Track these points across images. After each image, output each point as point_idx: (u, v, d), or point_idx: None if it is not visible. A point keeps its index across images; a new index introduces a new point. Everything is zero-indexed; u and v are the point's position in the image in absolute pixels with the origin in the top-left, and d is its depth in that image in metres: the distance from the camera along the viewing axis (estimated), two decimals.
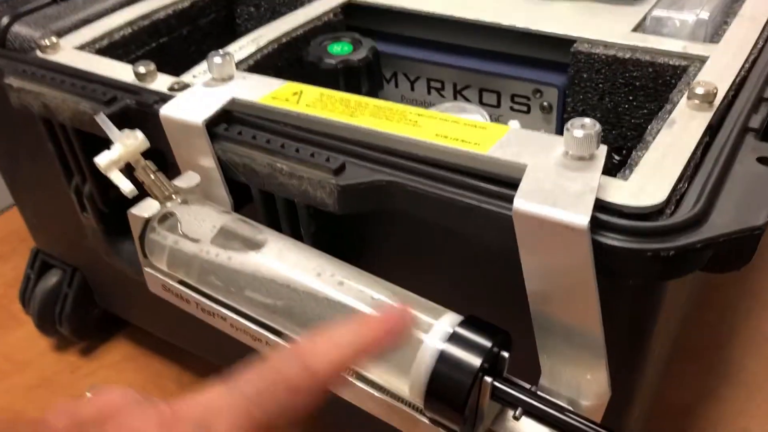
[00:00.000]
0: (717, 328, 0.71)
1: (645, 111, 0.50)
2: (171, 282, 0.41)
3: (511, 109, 0.57)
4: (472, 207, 0.35)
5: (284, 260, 0.37)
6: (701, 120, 0.39)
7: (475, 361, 0.32)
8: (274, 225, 0.42)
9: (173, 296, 0.41)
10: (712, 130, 0.39)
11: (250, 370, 0.27)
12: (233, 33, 0.69)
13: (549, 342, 0.35)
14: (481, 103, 0.59)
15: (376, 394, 0.35)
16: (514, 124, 0.53)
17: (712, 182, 0.35)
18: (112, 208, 0.53)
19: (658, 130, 0.39)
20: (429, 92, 0.61)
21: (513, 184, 0.34)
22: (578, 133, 0.34)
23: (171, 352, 0.71)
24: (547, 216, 0.31)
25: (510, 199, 0.33)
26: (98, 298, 0.71)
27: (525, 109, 0.57)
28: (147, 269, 0.42)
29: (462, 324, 0.33)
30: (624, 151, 0.50)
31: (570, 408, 0.33)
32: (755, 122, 0.39)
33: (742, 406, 0.63)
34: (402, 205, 0.37)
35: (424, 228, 0.39)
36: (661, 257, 0.31)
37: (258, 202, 0.42)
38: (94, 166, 0.50)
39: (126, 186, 0.40)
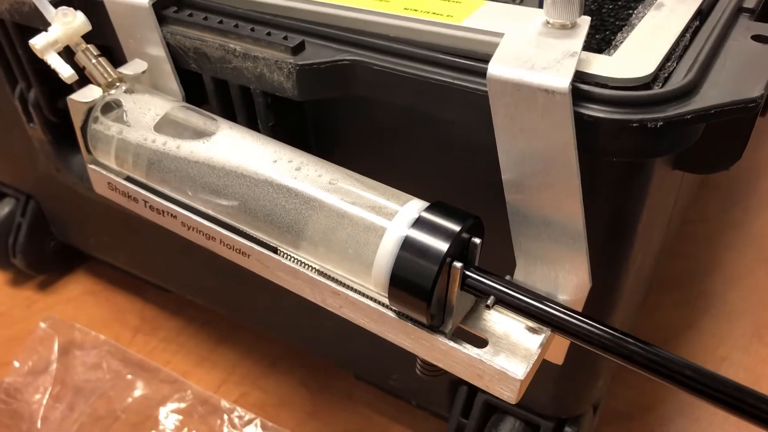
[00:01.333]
0: (698, 260, 0.69)
1: (630, 12, 0.47)
2: (117, 179, 0.37)
3: None
4: (444, 85, 0.32)
5: (237, 147, 0.34)
6: (691, 3, 0.36)
7: (442, 245, 0.29)
8: (230, 119, 0.38)
9: (119, 195, 0.38)
10: (702, 15, 0.36)
11: None
12: None
13: (525, 233, 0.32)
14: None
15: (337, 288, 0.32)
16: None
17: (704, 57, 0.32)
18: (61, 116, 0.49)
19: (645, 14, 0.36)
20: None
21: (488, 60, 0.31)
22: None
23: (133, 287, 0.68)
24: (523, 80, 0.28)
25: (484, 74, 0.30)
26: (55, 230, 0.68)
27: None
28: (91, 166, 0.38)
29: (428, 209, 0.30)
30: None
31: (547, 297, 0.30)
32: (750, 2, 0.36)
33: (722, 336, 0.62)
34: (368, 88, 0.34)
35: (392, 114, 0.36)
36: (648, 129, 0.28)
37: (211, 92, 0.38)
38: (39, 70, 0.46)
39: (65, 70, 0.36)
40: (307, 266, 0.33)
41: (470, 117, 0.32)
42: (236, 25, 0.36)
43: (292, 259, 0.33)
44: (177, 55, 0.38)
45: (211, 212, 0.35)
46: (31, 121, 0.50)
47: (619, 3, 0.47)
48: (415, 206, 0.31)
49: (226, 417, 0.55)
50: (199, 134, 0.35)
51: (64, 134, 0.50)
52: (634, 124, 0.28)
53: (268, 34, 0.35)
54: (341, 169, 0.33)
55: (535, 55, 0.29)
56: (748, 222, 0.73)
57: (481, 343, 0.32)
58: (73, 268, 0.71)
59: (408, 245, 0.29)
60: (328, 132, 0.39)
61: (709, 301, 0.65)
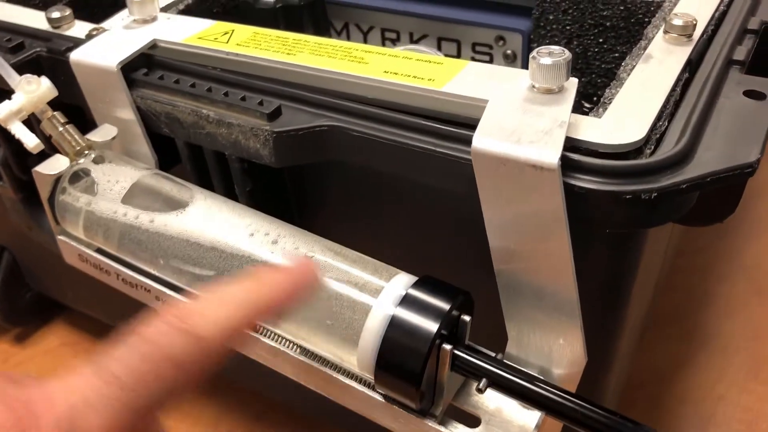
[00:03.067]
0: (691, 293, 0.68)
1: (616, 55, 0.46)
2: (88, 251, 0.36)
3: (473, 59, 0.53)
4: (426, 152, 0.30)
5: (213, 219, 0.32)
6: (680, 54, 0.35)
7: (432, 325, 0.27)
8: (205, 184, 0.37)
9: (91, 267, 0.36)
10: (692, 66, 0.35)
11: (123, 344, 0.22)
12: None
13: (516, 304, 0.31)
14: (440, 52, 0.54)
15: (321, 368, 0.31)
16: None
17: (696, 118, 0.30)
18: (32, 175, 0.47)
19: (633, 67, 0.35)
20: (383, 44, 0.56)
21: (473, 125, 0.30)
22: (545, 60, 0.29)
23: (113, 338, 0.66)
24: (510, 155, 0.27)
25: (468, 141, 0.29)
26: (30, 280, 0.66)
27: (487, 59, 0.52)
28: (60, 237, 0.36)
29: (416, 285, 0.29)
30: (595, 99, 0.45)
31: (541, 377, 0.29)
32: (740, 54, 0.35)
33: (718, 373, 0.60)
34: (347, 154, 0.33)
35: (373, 179, 0.34)
36: (642, 200, 0.27)
37: (185, 157, 0.37)
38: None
39: (30, 140, 0.35)
40: (289, 344, 0.31)
41: (454, 184, 0.30)
42: (209, 89, 0.34)
43: (273, 337, 0.32)
44: (148, 119, 0.36)
45: (185, 286, 0.33)
46: (0, 180, 0.48)
47: (605, 46, 0.46)
48: (402, 282, 0.29)
49: None
50: (173, 205, 0.33)
51: (36, 193, 0.48)
52: (627, 196, 0.27)
53: (243, 98, 0.33)
54: (321, 240, 0.32)
55: (522, 125, 0.28)
56: (740, 252, 0.72)
57: (473, 421, 0.30)
58: (50, 319, 0.69)
59: (395, 325, 0.28)
60: (308, 196, 0.38)
61: (705, 336, 0.64)
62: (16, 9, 0.46)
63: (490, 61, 0.52)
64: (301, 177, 0.37)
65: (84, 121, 0.39)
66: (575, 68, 0.47)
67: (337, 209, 0.37)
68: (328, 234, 0.32)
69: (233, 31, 0.37)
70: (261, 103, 0.33)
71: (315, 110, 0.33)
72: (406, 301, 0.28)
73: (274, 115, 0.33)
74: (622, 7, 0.44)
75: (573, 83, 0.30)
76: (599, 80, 0.47)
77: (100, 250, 0.36)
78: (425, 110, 0.31)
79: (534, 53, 0.30)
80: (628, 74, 0.34)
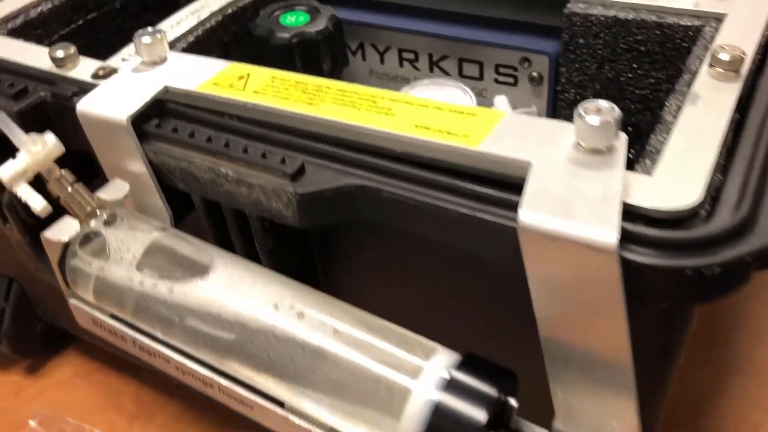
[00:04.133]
0: (720, 319, 0.66)
1: (651, 80, 0.43)
2: (102, 317, 0.34)
3: (496, 81, 0.50)
4: (465, 216, 0.28)
5: (235, 289, 0.30)
6: (728, 93, 0.33)
7: (480, 415, 0.25)
8: (223, 241, 0.35)
9: (106, 332, 0.34)
10: (742, 105, 0.33)
11: None
12: (176, 4, 0.61)
13: (564, 376, 0.29)
14: (461, 75, 0.51)
15: None
16: (500, 100, 0.46)
17: (757, 172, 0.28)
18: (39, 217, 0.45)
19: (679, 107, 0.32)
20: (401, 65, 0.53)
21: (514, 186, 0.27)
22: (593, 119, 0.27)
23: (127, 367, 0.64)
24: (562, 232, 0.24)
25: (512, 206, 0.26)
26: (40, 312, 0.64)
27: (511, 81, 0.50)
28: (72, 301, 0.34)
29: (460, 366, 0.27)
30: (630, 128, 0.43)
31: None
32: None
33: (753, 400, 0.58)
34: (377, 215, 0.30)
35: (405, 241, 0.32)
36: (704, 276, 0.25)
37: (201, 214, 0.34)
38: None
39: (37, 203, 0.32)
40: (319, 426, 0.29)
41: (495, 251, 0.28)
42: (227, 144, 0.32)
43: (302, 416, 0.30)
44: (162, 174, 0.34)
45: (205, 358, 0.31)
46: (7, 223, 0.46)
47: (639, 72, 0.43)
48: (443, 361, 0.27)
49: None
50: (191, 271, 0.31)
51: None
52: (689, 272, 0.25)
53: (263, 155, 0.31)
54: (350, 310, 0.30)
55: (571, 194, 0.25)
56: None
57: None
58: (62, 349, 0.67)
59: (440, 413, 0.26)
60: (334, 256, 0.35)
61: (738, 362, 0.62)
62: (16, 45, 0.43)
63: (515, 84, 0.50)
64: (327, 235, 0.35)
65: (92, 166, 0.37)
66: (607, 94, 0.45)
67: (366, 271, 0.35)
68: (355, 298, 0.30)
69: (249, 75, 0.35)
70: (283, 161, 0.31)
71: (341, 167, 0.31)
72: (451, 386, 0.26)
73: (298, 174, 0.30)
74: (657, 32, 0.41)
75: (623, 141, 0.28)
76: (632, 106, 0.45)
77: (115, 315, 0.34)
78: (463, 168, 0.29)
79: (580, 110, 0.27)
80: (674, 116, 0.32)
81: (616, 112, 0.27)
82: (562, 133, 0.28)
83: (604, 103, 0.27)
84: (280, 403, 0.30)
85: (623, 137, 0.28)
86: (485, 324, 0.32)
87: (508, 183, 0.28)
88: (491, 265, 0.30)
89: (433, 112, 0.31)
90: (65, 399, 0.63)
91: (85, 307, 0.34)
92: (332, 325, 0.29)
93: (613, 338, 0.26)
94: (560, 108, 0.47)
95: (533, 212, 0.25)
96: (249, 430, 0.58)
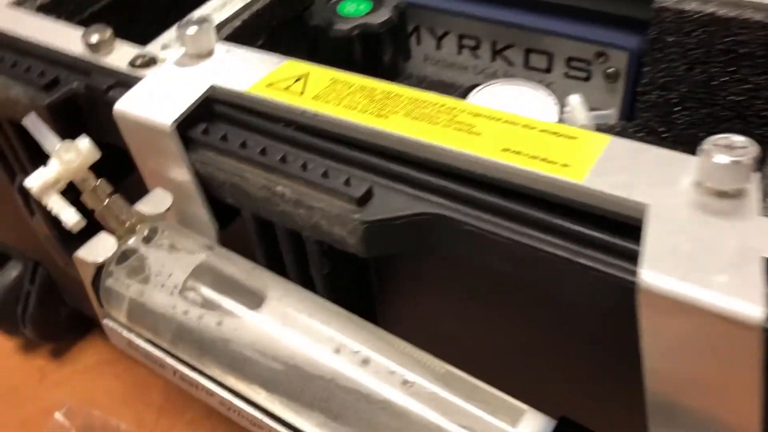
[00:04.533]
0: None
1: (749, 86, 0.39)
2: (139, 341, 0.30)
3: (566, 75, 0.46)
4: (564, 260, 0.24)
5: (291, 326, 0.27)
6: None
7: None
8: (273, 259, 0.31)
9: (142, 357, 0.31)
10: None
11: None
12: None
13: None
14: (526, 66, 0.47)
15: None
16: (575, 100, 0.41)
17: None
18: None
19: None
20: (460, 52, 0.49)
21: (625, 228, 0.23)
22: (722, 158, 0.23)
23: None
24: (695, 300, 0.20)
25: (625, 255, 0.23)
26: (67, 297, 0.61)
27: (584, 76, 0.45)
28: (107, 322, 0.31)
29: None
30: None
31: None
32: None
33: None
34: (454, 249, 0.27)
35: (484, 276, 0.28)
36: None
37: (252, 229, 0.31)
38: (40, 163, 0.39)
39: (69, 218, 0.29)
40: None
41: (598, 301, 0.24)
42: (284, 158, 0.28)
43: None
44: (209, 186, 0.30)
45: (254, 397, 0.28)
46: (33, 215, 0.43)
47: (735, 76, 0.39)
48: (533, 428, 0.24)
49: None
50: (241, 300, 0.28)
51: None
52: None
53: (325, 174, 0.27)
54: (419, 355, 0.26)
55: (702, 252, 0.21)
56: None
57: None
58: (87, 333, 0.65)
59: None
60: (397, 286, 0.32)
61: None
62: (46, 24, 0.39)
63: (587, 79, 0.45)
64: (389, 262, 0.31)
65: (128, 160, 0.33)
66: (695, 98, 0.40)
67: (434, 306, 0.31)
68: (417, 336, 0.27)
69: (307, 74, 0.31)
70: (348, 183, 0.27)
71: (415, 192, 0.27)
72: None
73: (365, 199, 0.27)
74: (761, 32, 0.37)
75: (756, 183, 0.23)
76: (723, 113, 0.40)
77: (151, 341, 0.30)
78: (559, 201, 0.25)
79: (705, 145, 0.23)
80: None
81: (753, 149, 0.23)
82: (681, 168, 0.24)
83: (737, 138, 0.23)
84: None
85: (756, 178, 0.24)
86: (575, 378, 0.28)
87: (619, 225, 0.24)
88: (588, 312, 0.26)
89: (524, 133, 0.27)
90: (90, 387, 0.60)
91: (120, 330, 0.31)
92: (401, 375, 0.25)
93: (742, 408, 0.23)
94: (639, 110, 0.42)
95: (658, 273, 0.21)
96: None
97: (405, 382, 0.25)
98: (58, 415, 0.56)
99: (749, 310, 0.20)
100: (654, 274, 0.21)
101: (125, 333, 0.31)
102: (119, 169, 0.34)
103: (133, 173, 0.34)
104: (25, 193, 0.42)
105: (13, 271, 0.61)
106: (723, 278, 0.21)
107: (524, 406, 0.25)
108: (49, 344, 0.64)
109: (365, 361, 0.26)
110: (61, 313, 0.62)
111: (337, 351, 0.26)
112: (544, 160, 0.25)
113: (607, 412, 0.26)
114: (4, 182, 0.47)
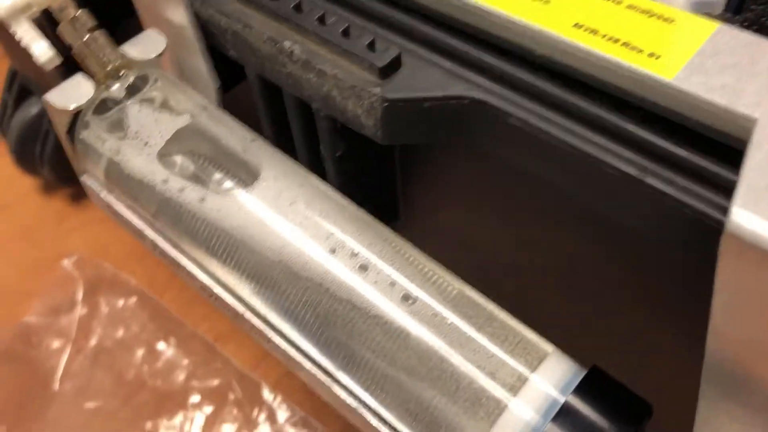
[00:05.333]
0: None
1: None
2: (118, 206, 0.26)
3: None
4: (632, 181, 0.19)
5: (284, 214, 0.22)
6: None
7: None
8: (279, 132, 0.26)
9: (122, 224, 0.27)
10: None
11: None
12: None
13: (722, 416, 0.20)
14: None
15: None
16: None
17: None
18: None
19: None
20: None
21: (721, 148, 0.18)
22: None
23: None
24: None
25: (714, 184, 0.17)
26: None
27: None
28: (85, 179, 0.27)
29: (581, 388, 0.19)
30: None
31: None
32: None
33: None
34: (495, 146, 0.21)
35: (529, 184, 0.23)
36: None
37: (256, 92, 0.26)
38: None
39: (40, 51, 0.24)
40: (370, 411, 0.22)
41: (665, 234, 0.19)
42: (298, 6, 0.23)
43: (351, 394, 0.23)
44: (210, 34, 0.25)
45: (235, 288, 0.24)
46: None
47: None
48: (556, 375, 0.19)
49: (265, 407, 0.47)
50: (232, 174, 0.23)
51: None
52: None
53: (345, 33, 0.22)
54: (432, 272, 0.21)
55: None
56: None
57: None
58: None
59: None
60: (424, 179, 0.27)
61: None
62: None
63: None
64: (417, 150, 0.26)
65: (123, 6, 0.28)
66: None
67: (464, 218, 0.26)
68: (442, 242, 0.22)
69: None
70: (372, 47, 0.21)
71: (452, 67, 0.21)
72: (563, 417, 0.18)
73: (390, 68, 0.21)
74: None
75: None
76: None
77: (131, 206, 0.26)
78: (636, 101, 0.19)
79: None
80: None
81: None
82: None
83: None
84: (322, 368, 0.23)
85: None
86: (615, 325, 0.23)
87: (711, 142, 0.18)
88: (650, 248, 0.21)
89: (606, 6, 0.20)
90: (105, 238, 0.58)
91: (99, 190, 0.27)
92: (404, 288, 0.21)
93: None
94: (750, 1, 0.35)
95: (755, 216, 0.15)
96: None
97: (406, 298, 0.21)
98: (66, 263, 0.54)
99: None
100: (749, 215, 0.15)
101: (104, 194, 0.27)
102: (115, 10, 0.29)
103: (133, 16, 0.29)
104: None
105: (33, 107, 0.58)
106: None
107: (549, 347, 0.20)
108: (68, 188, 0.62)
109: (363, 267, 0.21)
110: None
111: (333, 251, 0.21)
112: (626, 45, 0.19)
113: (649, 372, 0.21)
114: None
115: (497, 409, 0.19)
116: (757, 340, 0.17)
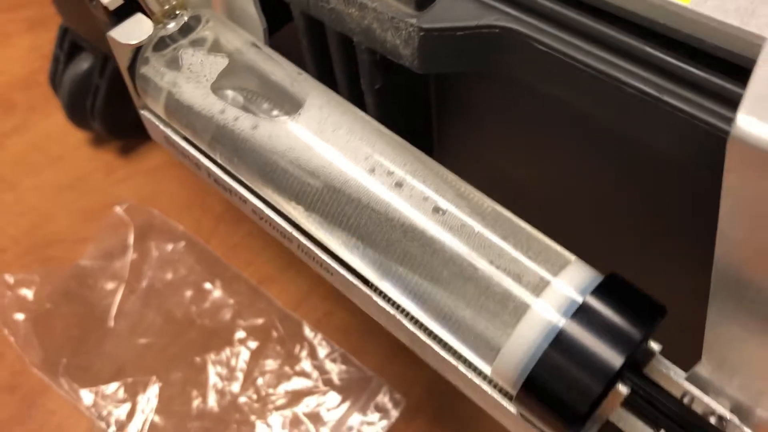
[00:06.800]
0: None
1: None
2: (176, 138, 0.29)
3: None
4: (649, 99, 0.20)
5: (326, 137, 0.24)
6: None
7: (615, 359, 0.20)
8: (323, 68, 0.28)
9: (179, 154, 0.30)
10: None
11: None
12: None
13: (731, 318, 0.22)
14: None
15: (443, 354, 0.24)
16: None
17: None
18: None
19: None
20: None
21: (730, 67, 0.19)
22: None
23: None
24: None
25: (722, 98, 0.19)
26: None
27: None
28: (144, 113, 0.30)
29: (599, 290, 0.21)
30: None
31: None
32: None
33: None
34: (523, 72, 0.23)
35: (558, 109, 0.25)
36: None
37: (301, 30, 0.28)
38: None
39: None
40: (406, 315, 0.24)
41: (678, 148, 0.21)
42: None
43: (390, 301, 0.25)
44: None
45: (284, 208, 0.26)
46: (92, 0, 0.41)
47: None
48: (576, 279, 0.21)
49: (306, 344, 0.50)
50: (280, 105, 0.25)
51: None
52: None
53: None
54: (463, 189, 0.23)
55: None
56: None
57: None
58: None
59: (562, 345, 0.20)
60: (458, 110, 0.28)
61: None
62: None
63: None
64: (452, 82, 0.27)
65: None
66: None
67: (496, 138, 0.28)
68: (474, 171, 0.24)
69: None
70: None
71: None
72: (583, 315, 0.20)
73: (426, 1, 0.23)
74: None
75: None
76: None
77: (189, 139, 0.29)
78: (652, 26, 0.21)
79: None
80: None
81: None
82: None
83: None
84: (365, 280, 0.25)
85: None
86: (634, 233, 0.25)
87: (721, 61, 0.20)
88: (666, 162, 0.23)
89: None
90: (153, 188, 0.61)
91: (157, 123, 0.29)
92: (435, 201, 0.23)
93: None
94: None
95: (758, 120, 0.17)
96: None
97: (437, 210, 0.23)
98: (118, 209, 0.57)
99: None
100: (752, 120, 0.17)
101: (162, 126, 0.29)
102: None
103: None
104: None
105: (84, 63, 0.60)
106: None
107: (571, 256, 0.22)
108: (117, 140, 0.65)
109: (398, 184, 0.23)
110: (130, 109, 0.61)
111: (372, 170, 0.24)
112: None
113: (664, 279, 0.23)
114: None
115: (522, 307, 0.21)
116: (761, 241, 0.19)
